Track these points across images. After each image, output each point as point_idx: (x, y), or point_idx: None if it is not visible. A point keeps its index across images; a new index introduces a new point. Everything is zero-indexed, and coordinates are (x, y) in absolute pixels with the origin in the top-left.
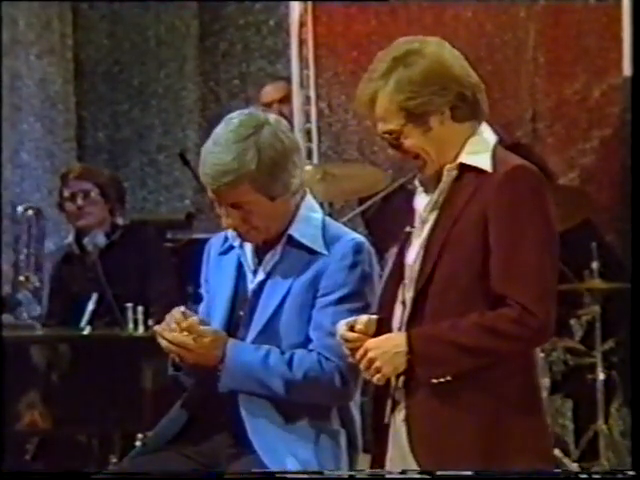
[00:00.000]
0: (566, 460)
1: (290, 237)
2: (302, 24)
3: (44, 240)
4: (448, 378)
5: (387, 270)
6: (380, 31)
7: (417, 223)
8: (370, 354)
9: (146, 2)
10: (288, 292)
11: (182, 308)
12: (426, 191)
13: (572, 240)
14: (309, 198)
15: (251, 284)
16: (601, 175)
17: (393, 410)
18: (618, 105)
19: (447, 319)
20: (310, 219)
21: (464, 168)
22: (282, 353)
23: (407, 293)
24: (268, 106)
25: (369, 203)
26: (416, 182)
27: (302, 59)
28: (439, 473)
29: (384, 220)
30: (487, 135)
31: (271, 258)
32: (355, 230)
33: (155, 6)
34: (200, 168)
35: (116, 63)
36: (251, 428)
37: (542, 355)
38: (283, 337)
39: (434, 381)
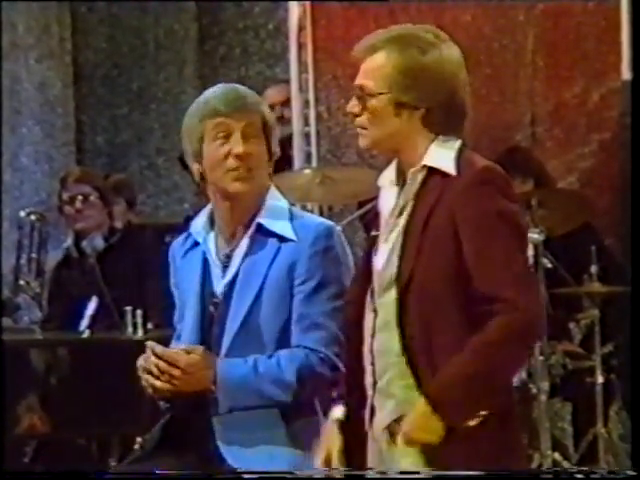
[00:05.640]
0: (565, 464)
1: (259, 225)
2: (301, 27)
3: (46, 245)
4: (484, 413)
5: (354, 275)
6: None
7: (383, 227)
8: (411, 436)
9: (145, 6)
10: (263, 283)
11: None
12: (391, 193)
13: (571, 244)
14: (273, 189)
15: (221, 279)
16: (600, 179)
17: (371, 418)
18: (617, 109)
19: (426, 325)
20: (276, 207)
21: (430, 171)
22: (269, 358)
23: (378, 300)
24: (271, 108)
25: (368, 207)
26: (379, 182)
27: (301, 63)
28: (434, 473)
29: None
30: (451, 138)
31: (240, 250)
32: (354, 234)
33: (154, 10)
34: (210, 99)
35: (115, 67)
36: (223, 446)
37: (541, 359)
38: (263, 331)
39: (472, 423)
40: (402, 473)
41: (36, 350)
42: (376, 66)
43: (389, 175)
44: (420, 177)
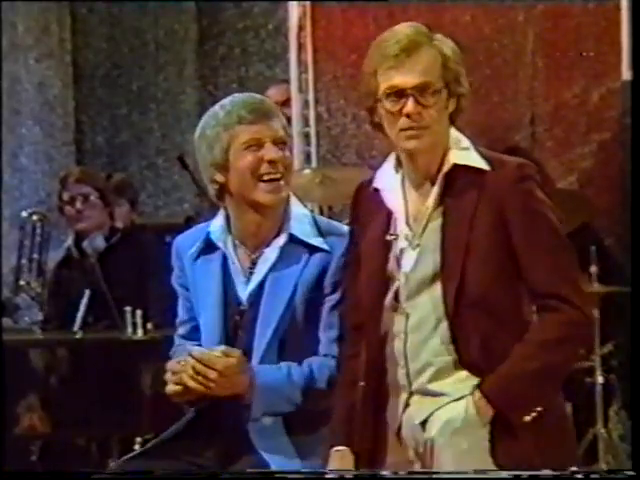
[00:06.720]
0: None
1: (291, 236)
2: (301, 28)
3: (48, 246)
4: (539, 409)
5: (364, 279)
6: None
7: (403, 230)
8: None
9: (145, 6)
10: (294, 293)
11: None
12: (398, 194)
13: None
14: (292, 195)
15: (246, 288)
16: (600, 179)
17: (400, 420)
18: (617, 109)
19: (479, 319)
20: (302, 216)
21: (455, 168)
22: (300, 365)
23: (408, 302)
24: None
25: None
26: (379, 185)
27: (301, 63)
28: (439, 474)
29: None
30: (457, 133)
31: (267, 259)
32: None
33: (154, 10)
34: (232, 108)
35: (115, 67)
36: (257, 438)
37: None
38: (296, 340)
39: (527, 419)
40: (410, 473)
41: (36, 350)
42: (428, 62)
43: (389, 175)
44: (444, 177)
